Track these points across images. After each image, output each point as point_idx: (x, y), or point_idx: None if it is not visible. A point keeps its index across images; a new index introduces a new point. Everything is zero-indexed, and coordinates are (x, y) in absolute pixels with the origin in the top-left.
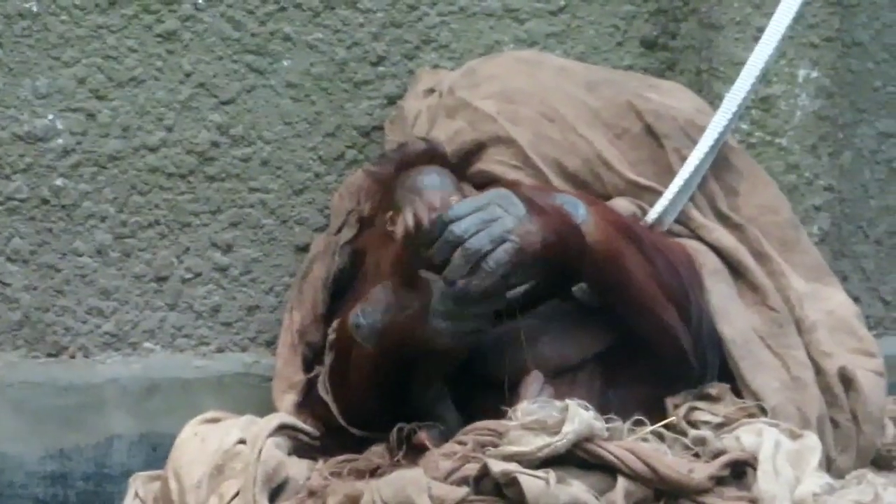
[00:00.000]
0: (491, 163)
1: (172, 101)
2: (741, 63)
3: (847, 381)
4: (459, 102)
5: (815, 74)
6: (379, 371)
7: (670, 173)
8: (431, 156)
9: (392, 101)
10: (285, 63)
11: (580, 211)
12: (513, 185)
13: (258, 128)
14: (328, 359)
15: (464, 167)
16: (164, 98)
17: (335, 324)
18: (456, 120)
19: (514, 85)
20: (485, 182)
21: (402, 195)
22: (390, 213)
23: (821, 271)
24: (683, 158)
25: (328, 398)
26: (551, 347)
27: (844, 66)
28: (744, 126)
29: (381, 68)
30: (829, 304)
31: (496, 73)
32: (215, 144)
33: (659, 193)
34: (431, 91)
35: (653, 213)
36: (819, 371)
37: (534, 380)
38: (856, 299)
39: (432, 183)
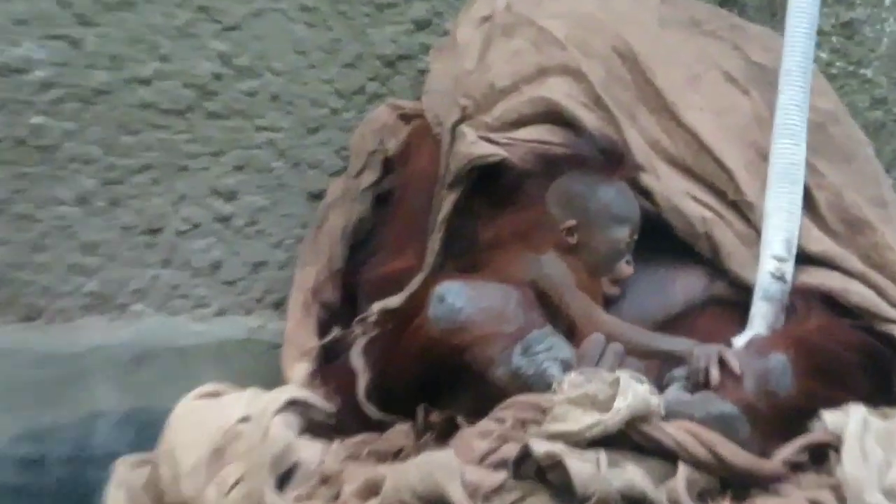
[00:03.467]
0: (556, 93)
1: (169, 26)
2: None
3: None
4: (519, 19)
5: None
6: (427, 359)
7: (758, 123)
8: (613, 159)
9: (420, 26)
10: None
11: (786, 381)
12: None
13: (267, 57)
14: (372, 325)
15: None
16: (159, 23)
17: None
18: (515, 39)
19: (584, 9)
20: (543, 111)
21: (593, 212)
22: (572, 222)
23: None
24: (772, 108)
25: (361, 366)
26: (632, 305)
27: None
28: (823, 55)
29: None
30: None
31: None
32: (217, 77)
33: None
34: (488, 19)
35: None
36: None
37: (594, 343)
38: None
39: (630, 211)
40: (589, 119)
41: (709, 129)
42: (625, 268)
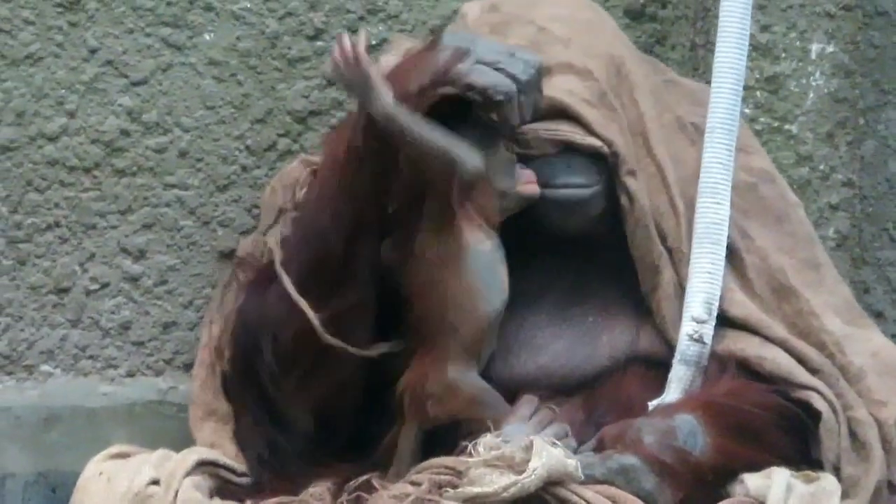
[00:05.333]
0: (559, 91)
1: (75, 81)
2: None
3: None
4: (513, 18)
5: (831, 49)
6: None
7: (696, 178)
8: None
9: (332, 81)
10: (207, 37)
11: (697, 440)
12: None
13: (175, 113)
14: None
15: None
16: (65, 78)
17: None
18: (509, 38)
19: (583, 15)
20: (548, 110)
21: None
22: None
23: (852, 312)
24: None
25: (289, 286)
26: (560, 357)
27: (866, 39)
28: (747, 110)
29: (319, 43)
30: (870, 345)
31: None
32: (125, 133)
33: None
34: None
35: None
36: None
37: (527, 402)
38: (878, 315)
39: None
40: (592, 115)
41: (670, 168)
42: None
